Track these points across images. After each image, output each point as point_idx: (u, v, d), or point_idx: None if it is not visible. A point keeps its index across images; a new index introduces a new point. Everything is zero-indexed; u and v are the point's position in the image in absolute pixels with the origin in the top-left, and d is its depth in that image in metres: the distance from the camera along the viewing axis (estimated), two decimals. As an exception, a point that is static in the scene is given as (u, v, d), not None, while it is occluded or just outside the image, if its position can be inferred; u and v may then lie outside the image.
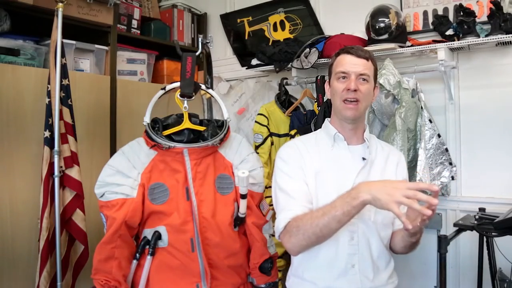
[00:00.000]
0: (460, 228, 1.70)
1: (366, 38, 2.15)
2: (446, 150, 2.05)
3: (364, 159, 1.28)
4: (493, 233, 1.63)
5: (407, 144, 1.92)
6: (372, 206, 1.05)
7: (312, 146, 1.32)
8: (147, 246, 1.43)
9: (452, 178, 2.07)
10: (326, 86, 1.38)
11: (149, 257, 1.42)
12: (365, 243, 1.24)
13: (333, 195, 1.14)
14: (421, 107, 1.97)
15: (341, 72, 1.27)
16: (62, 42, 1.83)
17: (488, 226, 1.62)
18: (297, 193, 1.24)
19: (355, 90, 1.24)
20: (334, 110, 1.33)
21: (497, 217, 1.61)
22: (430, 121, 1.99)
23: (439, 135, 2.01)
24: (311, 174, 1.26)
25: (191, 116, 1.58)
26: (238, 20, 2.81)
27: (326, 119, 1.39)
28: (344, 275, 1.22)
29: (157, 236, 1.43)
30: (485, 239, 1.83)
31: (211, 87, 1.84)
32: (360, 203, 1.04)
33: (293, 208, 1.21)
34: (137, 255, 1.43)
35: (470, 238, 1.97)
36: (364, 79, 1.26)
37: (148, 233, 1.45)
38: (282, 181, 1.27)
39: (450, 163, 2.05)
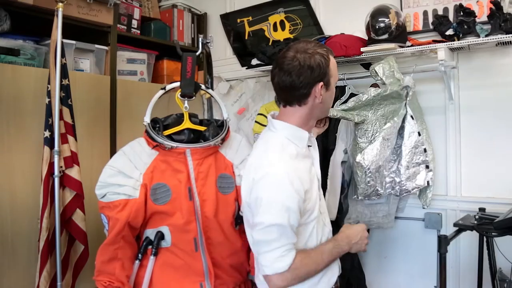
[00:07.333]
0: (460, 228, 1.71)
1: (366, 38, 2.15)
2: (425, 150, 1.95)
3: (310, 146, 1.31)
4: (493, 233, 1.64)
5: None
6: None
7: (301, 161, 1.20)
8: (150, 246, 1.43)
9: (428, 183, 1.96)
10: (319, 89, 1.17)
11: (152, 257, 1.42)
12: None
13: (317, 193, 1.24)
14: (405, 104, 1.93)
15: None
16: (62, 42, 1.82)
17: (488, 226, 1.63)
18: (293, 230, 1.14)
19: None
20: (322, 112, 1.27)
21: (497, 217, 1.61)
22: (412, 117, 1.94)
23: (419, 133, 1.95)
24: (314, 187, 1.23)
25: (191, 116, 1.58)
26: (238, 20, 2.81)
27: (275, 121, 1.25)
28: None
29: (160, 236, 1.43)
30: (485, 239, 1.83)
31: (211, 87, 1.85)
32: (344, 252, 1.27)
33: (292, 248, 1.14)
34: (139, 255, 1.43)
35: (470, 238, 1.97)
36: None
37: (150, 233, 1.45)
38: (285, 218, 1.11)
39: (427, 166, 1.95)
